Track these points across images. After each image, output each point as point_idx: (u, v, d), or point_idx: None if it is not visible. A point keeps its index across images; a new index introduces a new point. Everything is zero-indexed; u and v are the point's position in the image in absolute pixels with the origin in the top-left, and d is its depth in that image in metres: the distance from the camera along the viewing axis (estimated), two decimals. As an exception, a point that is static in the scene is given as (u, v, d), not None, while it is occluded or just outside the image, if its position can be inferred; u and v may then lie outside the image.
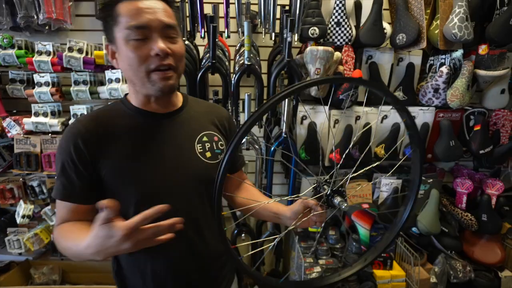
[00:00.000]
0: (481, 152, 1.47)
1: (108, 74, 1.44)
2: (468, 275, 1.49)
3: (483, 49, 1.42)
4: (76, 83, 1.44)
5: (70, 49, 1.38)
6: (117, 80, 1.45)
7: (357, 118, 1.43)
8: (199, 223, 0.78)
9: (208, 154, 0.78)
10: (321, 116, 1.39)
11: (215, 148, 0.80)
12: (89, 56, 1.42)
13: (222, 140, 0.83)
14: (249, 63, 1.28)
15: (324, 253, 1.53)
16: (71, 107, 1.47)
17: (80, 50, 1.39)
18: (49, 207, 1.55)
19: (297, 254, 1.52)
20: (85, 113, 1.47)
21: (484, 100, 1.54)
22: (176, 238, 0.59)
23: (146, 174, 0.71)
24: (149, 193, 0.71)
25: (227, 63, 1.42)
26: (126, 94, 0.79)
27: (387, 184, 1.52)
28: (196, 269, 0.80)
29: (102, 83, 1.53)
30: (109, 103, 0.83)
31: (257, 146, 1.39)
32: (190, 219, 0.72)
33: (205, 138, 0.79)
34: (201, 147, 0.78)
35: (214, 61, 1.27)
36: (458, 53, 1.40)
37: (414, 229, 1.55)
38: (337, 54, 1.31)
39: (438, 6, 1.35)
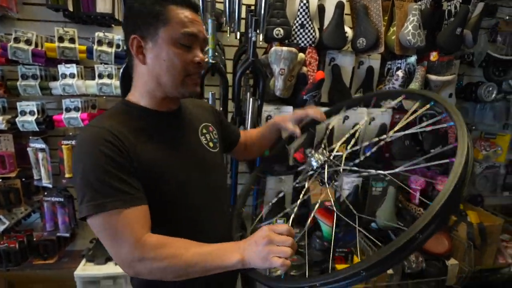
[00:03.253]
0: (431, 151, 1.58)
1: (62, 68, 1.34)
2: (421, 265, 1.60)
3: (433, 56, 1.53)
4: (24, 77, 1.33)
5: (16, 40, 1.26)
6: (72, 76, 1.35)
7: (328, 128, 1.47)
8: (225, 210, 0.90)
9: (211, 144, 0.86)
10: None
11: (213, 138, 0.88)
12: (39, 48, 1.31)
13: (215, 129, 0.92)
14: (213, 62, 1.26)
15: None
16: (18, 104, 1.35)
17: (28, 42, 1.28)
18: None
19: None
20: (35, 110, 1.35)
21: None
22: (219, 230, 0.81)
23: (181, 169, 0.75)
24: (185, 187, 0.75)
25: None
26: (124, 97, 0.78)
27: (348, 182, 1.58)
28: None
29: (55, 78, 1.42)
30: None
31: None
32: (220, 208, 0.85)
33: (204, 130, 0.87)
34: (204, 139, 0.85)
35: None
36: (412, 59, 1.49)
37: (373, 224, 1.63)
38: (301, 55, 1.33)
39: (395, 13, 1.44)
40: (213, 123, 0.93)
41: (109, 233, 0.63)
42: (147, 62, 0.71)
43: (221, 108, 1.39)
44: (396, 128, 0.91)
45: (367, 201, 1.62)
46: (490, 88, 1.75)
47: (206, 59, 1.31)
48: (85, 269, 1.45)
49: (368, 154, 1.61)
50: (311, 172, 0.89)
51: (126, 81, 0.78)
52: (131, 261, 0.63)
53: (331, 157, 0.88)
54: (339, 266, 1.50)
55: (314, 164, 0.87)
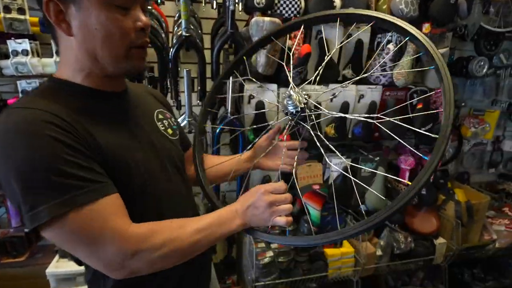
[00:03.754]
0: (422, 129, 1.52)
1: (12, 44, 1.17)
2: (409, 246, 1.58)
3: (426, 28, 1.43)
4: (-33, 55, 1.15)
5: (-47, 11, 1.08)
6: (25, 53, 1.18)
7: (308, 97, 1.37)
8: (189, 199, 0.79)
9: (170, 131, 0.77)
10: (269, 95, 1.30)
11: (172, 124, 0.78)
12: (-18, 20, 1.13)
13: (172, 116, 0.82)
14: (187, 35, 1.12)
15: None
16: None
17: (-33, 12, 1.10)
18: None
19: (249, 240, 1.46)
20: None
21: (426, 79, 1.59)
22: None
23: (142, 156, 0.64)
24: (148, 176, 0.64)
25: (163, 35, 1.24)
26: (52, 74, 0.62)
27: (336, 164, 1.52)
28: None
29: (6, 56, 1.25)
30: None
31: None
32: (186, 198, 0.76)
33: (160, 116, 0.76)
34: (162, 125, 0.75)
35: (145, 31, 1.08)
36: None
37: (362, 206, 1.58)
38: (285, 27, 1.20)
39: (386, -20, 1.32)
40: (168, 111, 0.82)
41: (83, 235, 0.51)
42: (74, 33, 0.56)
43: (199, 88, 1.27)
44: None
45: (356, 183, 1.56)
46: (482, 63, 1.68)
47: (180, 32, 1.16)
48: (58, 266, 1.35)
49: (356, 134, 1.54)
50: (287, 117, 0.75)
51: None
52: (123, 260, 0.53)
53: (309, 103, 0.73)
54: (329, 251, 1.45)
55: (292, 108, 0.72)
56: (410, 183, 0.54)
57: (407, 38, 0.64)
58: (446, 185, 1.78)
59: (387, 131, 0.77)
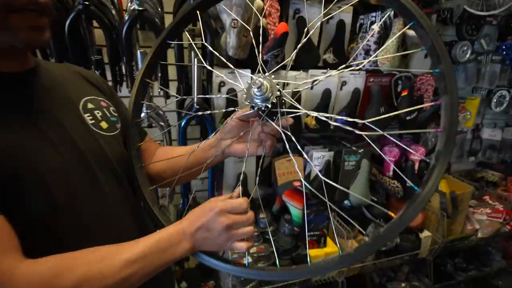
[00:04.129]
0: (407, 118, 1.43)
1: None
2: (395, 241, 1.50)
3: (411, 8, 1.32)
4: None
5: None
6: None
7: (285, 84, 1.23)
8: (140, 213, 0.63)
9: (104, 125, 0.59)
10: (242, 81, 1.14)
11: (108, 115, 0.61)
12: None
13: (111, 104, 0.63)
14: (140, 9, 0.93)
15: (255, 239, 1.36)
16: None
17: None
18: None
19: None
20: None
21: (410, 65, 1.49)
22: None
23: (46, 165, 0.46)
24: (61, 191, 0.47)
25: (114, 12, 1.04)
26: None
27: (318, 157, 1.40)
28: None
29: None
30: None
31: (162, 123, 1.08)
32: (128, 213, 0.59)
33: (90, 105, 0.58)
34: (91, 117, 0.57)
35: (87, 3, 0.88)
36: (390, 11, 1.28)
37: (346, 202, 1.48)
38: (259, 2, 1.04)
39: (369, -48, 1.19)
40: (108, 98, 0.64)
41: None
42: None
43: (159, 74, 1.08)
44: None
45: (339, 177, 1.46)
46: (465, 48, 1.61)
47: (133, 7, 0.97)
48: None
49: (339, 123, 1.43)
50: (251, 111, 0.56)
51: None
52: None
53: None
54: (312, 252, 1.34)
55: (260, 102, 0.53)
56: (394, 215, 0.47)
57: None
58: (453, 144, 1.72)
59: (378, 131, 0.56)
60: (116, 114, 0.63)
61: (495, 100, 1.89)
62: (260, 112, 0.54)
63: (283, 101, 0.54)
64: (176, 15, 0.55)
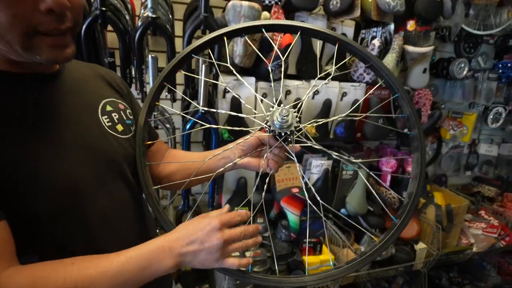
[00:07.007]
0: (405, 130, 1.47)
1: None
2: (390, 251, 1.52)
3: (411, 25, 1.38)
4: None
5: None
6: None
7: (288, 92, 1.27)
8: (144, 218, 0.65)
9: (120, 128, 0.61)
10: (247, 89, 1.19)
11: (124, 118, 0.63)
12: None
13: (127, 107, 0.66)
14: (154, 16, 0.98)
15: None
16: None
17: None
18: None
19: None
20: None
21: (409, 79, 1.54)
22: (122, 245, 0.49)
23: (54, 165, 0.48)
24: (65, 193, 0.49)
25: (127, 17, 1.09)
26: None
27: (317, 165, 1.43)
28: None
29: None
30: None
31: (168, 126, 1.12)
32: (132, 217, 0.61)
33: (109, 108, 0.61)
34: (108, 120, 0.59)
35: (104, 9, 0.93)
36: (391, 27, 1.33)
37: (343, 210, 1.51)
38: (265, 14, 1.10)
39: (372, -29, 1.25)
40: (125, 101, 0.67)
41: None
42: None
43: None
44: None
45: (337, 186, 1.49)
46: (462, 65, 1.66)
47: (146, 13, 1.02)
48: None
49: (339, 134, 1.46)
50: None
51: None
52: None
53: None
54: (307, 259, 1.36)
55: (279, 128, 0.58)
56: (376, 239, 0.55)
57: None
58: (425, 188, 1.75)
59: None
60: (131, 117, 0.65)
61: (491, 117, 1.94)
62: (277, 137, 0.60)
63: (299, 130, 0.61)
64: (205, 37, 0.61)
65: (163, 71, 0.62)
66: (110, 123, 0.59)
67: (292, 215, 1.34)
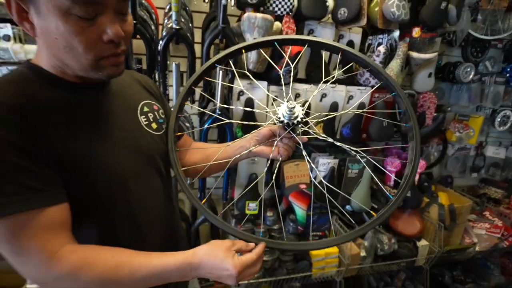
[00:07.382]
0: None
1: (-8, 28, 1.12)
2: (393, 247, 1.60)
3: (416, 32, 1.45)
4: None
5: None
6: (6, 38, 1.14)
7: (297, 95, 1.37)
8: (171, 203, 0.77)
9: (154, 126, 0.71)
10: (259, 92, 1.29)
11: (158, 118, 0.74)
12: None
13: (160, 107, 0.76)
14: (177, 27, 1.10)
15: (262, 235, 1.49)
16: None
17: None
18: None
19: (234, 238, 1.45)
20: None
21: (414, 83, 1.61)
22: (159, 229, 0.70)
23: (113, 159, 0.60)
24: (119, 181, 0.61)
25: (153, 27, 1.21)
26: (29, 59, 0.58)
27: (324, 164, 1.52)
28: None
29: (-14, 41, 1.19)
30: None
31: (188, 124, 1.24)
32: (163, 202, 0.72)
33: (146, 108, 0.72)
34: (145, 119, 0.70)
35: (135, 21, 1.06)
36: (395, 34, 1.41)
37: (348, 207, 1.59)
38: (277, 24, 1.20)
39: (379, -18, 1.32)
40: (158, 102, 0.77)
41: (9, 244, 0.49)
42: (38, 35, 0.52)
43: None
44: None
45: (342, 183, 1.57)
46: (468, 69, 1.71)
47: (170, 24, 1.14)
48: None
49: (345, 134, 1.55)
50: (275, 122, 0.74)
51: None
52: (44, 280, 0.52)
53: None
54: (313, 251, 1.45)
55: (287, 119, 0.70)
56: (375, 214, 0.68)
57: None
58: (430, 188, 1.81)
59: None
60: (163, 116, 0.75)
61: (498, 120, 1.97)
62: (286, 127, 0.71)
63: (305, 121, 0.73)
64: (227, 50, 0.75)
65: (191, 77, 0.75)
66: (146, 122, 0.70)
67: (300, 209, 1.44)
